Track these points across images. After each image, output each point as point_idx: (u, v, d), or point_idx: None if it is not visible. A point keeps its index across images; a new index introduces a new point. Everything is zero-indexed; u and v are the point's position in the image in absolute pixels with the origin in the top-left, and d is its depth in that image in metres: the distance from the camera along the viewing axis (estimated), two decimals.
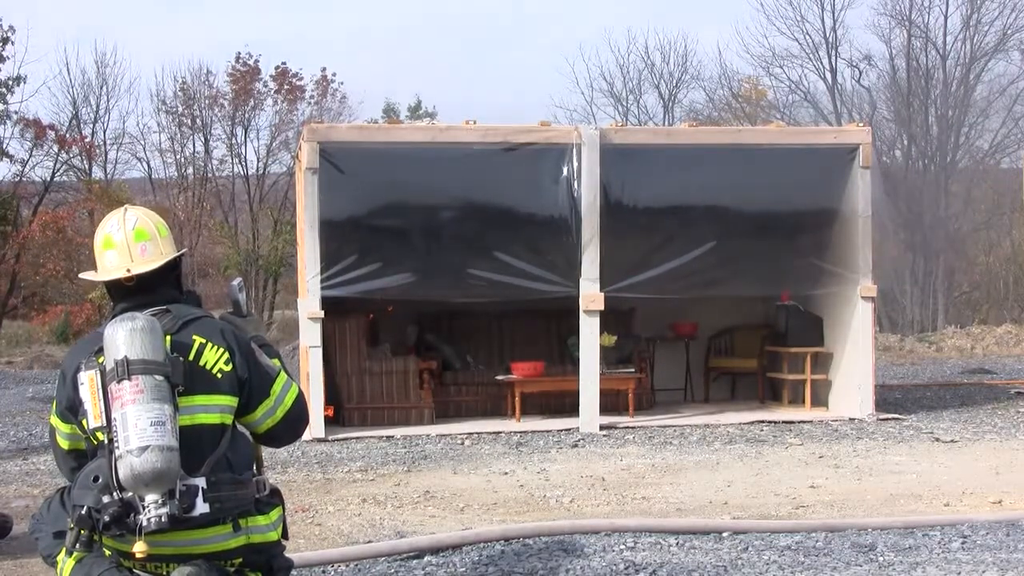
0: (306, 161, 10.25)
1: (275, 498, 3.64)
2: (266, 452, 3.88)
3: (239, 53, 30.41)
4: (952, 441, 9.54)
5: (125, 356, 3.32)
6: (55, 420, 3.64)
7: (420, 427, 10.73)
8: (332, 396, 10.81)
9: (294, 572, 3.89)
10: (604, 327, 10.76)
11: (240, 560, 3.52)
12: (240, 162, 30.76)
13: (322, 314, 10.22)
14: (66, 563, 3.49)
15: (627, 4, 57.02)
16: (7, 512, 6.24)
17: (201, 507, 3.34)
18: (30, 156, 28.84)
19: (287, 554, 3.75)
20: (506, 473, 8.22)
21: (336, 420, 10.84)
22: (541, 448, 9.49)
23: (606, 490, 7.48)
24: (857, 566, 5.15)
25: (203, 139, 30.64)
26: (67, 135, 29.21)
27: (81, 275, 4.09)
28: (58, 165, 29.24)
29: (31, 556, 5.22)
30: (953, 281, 29.57)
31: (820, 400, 11.68)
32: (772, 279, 11.35)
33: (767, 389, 12.61)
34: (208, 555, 3.43)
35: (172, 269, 3.71)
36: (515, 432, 10.36)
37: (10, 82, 27.98)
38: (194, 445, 3.39)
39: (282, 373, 3.73)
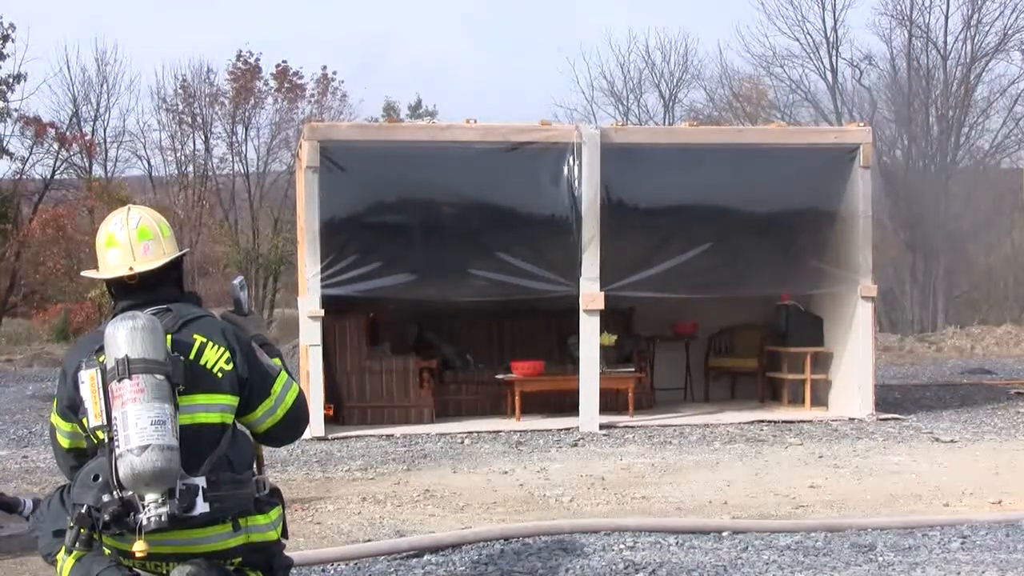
0: (306, 160, 10.25)
1: (275, 497, 3.65)
2: (266, 451, 3.88)
3: (240, 51, 30.51)
4: (952, 441, 9.54)
5: (126, 355, 3.32)
6: (56, 418, 3.64)
7: (420, 426, 10.73)
8: (332, 395, 10.80)
9: (294, 571, 3.89)
10: (604, 327, 10.75)
11: (240, 559, 3.52)
12: (240, 160, 30.84)
13: (322, 313, 10.22)
14: (66, 561, 3.49)
15: (628, 3, 56.99)
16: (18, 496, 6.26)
17: (201, 506, 3.34)
18: (30, 154, 28.91)
19: (287, 553, 3.76)
20: (506, 472, 8.22)
21: (336, 419, 10.83)
22: (541, 447, 9.49)
23: (606, 489, 7.48)
24: (857, 566, 5.15)
25: (203, 137, 30.68)
26: (67, 133, 29.21)
27: (83, 273, 4.10)
28: (58, 163, 29.30)
29: (31, 554, 5.21)
30: (953, 281, 29.54)
31: (820, 400, 11.68)
32: (772, 279, 11.34)
33: (767, 389, 12.60)
34: (208, 554, 3.43)
35: (174, 268, 3.72)
36: (515, 431, 10.36)
37: (10, 80, 27.98)
38: (194, 444, 3.39)
39: (283, 372, 3.73)
